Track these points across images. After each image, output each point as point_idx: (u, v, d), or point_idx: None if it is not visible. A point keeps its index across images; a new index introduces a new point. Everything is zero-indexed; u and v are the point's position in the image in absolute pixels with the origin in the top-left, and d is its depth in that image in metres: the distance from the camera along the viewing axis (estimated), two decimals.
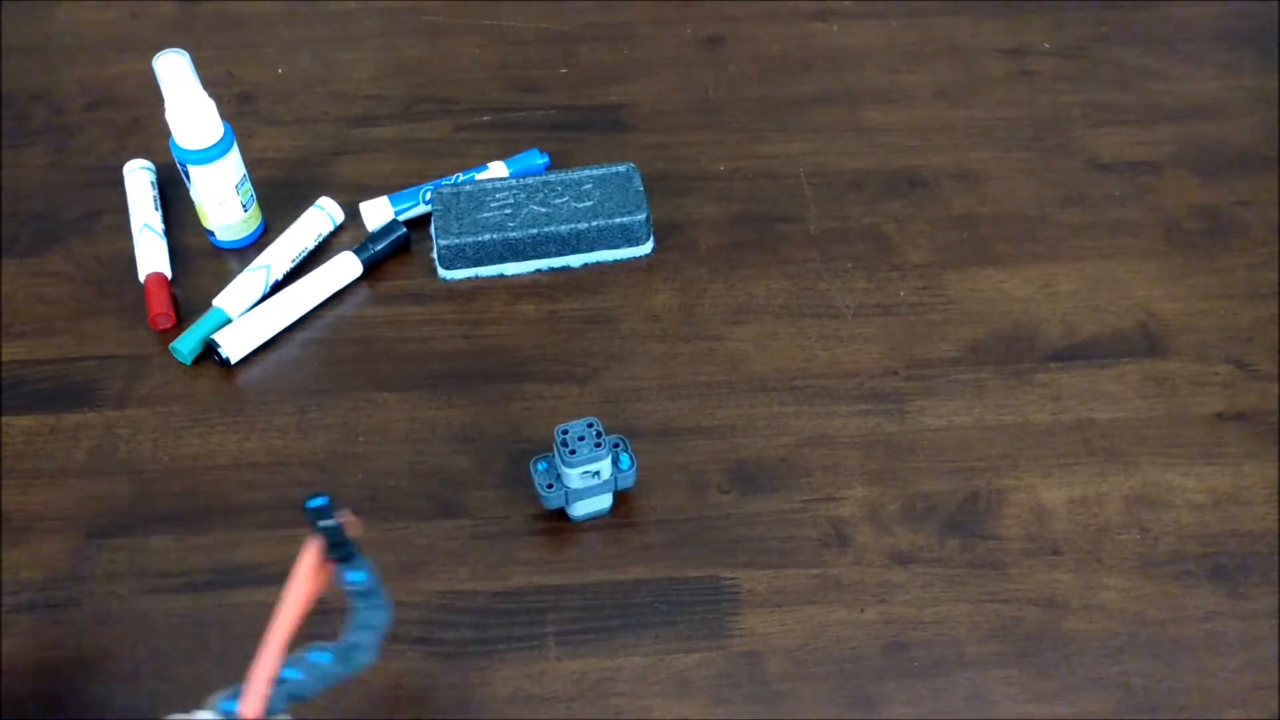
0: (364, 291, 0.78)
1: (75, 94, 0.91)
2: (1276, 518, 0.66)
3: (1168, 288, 0.77)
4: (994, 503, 0.67)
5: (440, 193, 0.79)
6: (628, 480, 0.65)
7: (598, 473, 0.63)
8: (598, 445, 0.62)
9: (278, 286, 0.77)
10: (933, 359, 0.74)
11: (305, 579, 0.52)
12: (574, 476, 0.62)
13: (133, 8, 0.98)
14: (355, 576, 0.52)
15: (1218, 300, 0.77)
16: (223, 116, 0.75)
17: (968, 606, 0.63)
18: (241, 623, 0.62)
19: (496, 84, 0.92)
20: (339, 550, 0.52)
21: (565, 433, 0.62)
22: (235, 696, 0.50)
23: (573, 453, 0.62)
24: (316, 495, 0.52)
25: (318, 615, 0.55)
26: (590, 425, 0.63)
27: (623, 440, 0.65)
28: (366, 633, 0.52)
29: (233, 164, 0.76)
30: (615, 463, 0.64)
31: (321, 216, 0.80)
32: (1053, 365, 0.73)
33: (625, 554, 0.65)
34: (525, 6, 0.98)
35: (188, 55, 0.71)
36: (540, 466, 0.64)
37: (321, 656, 0.51)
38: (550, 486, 0.63)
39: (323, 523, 0.52)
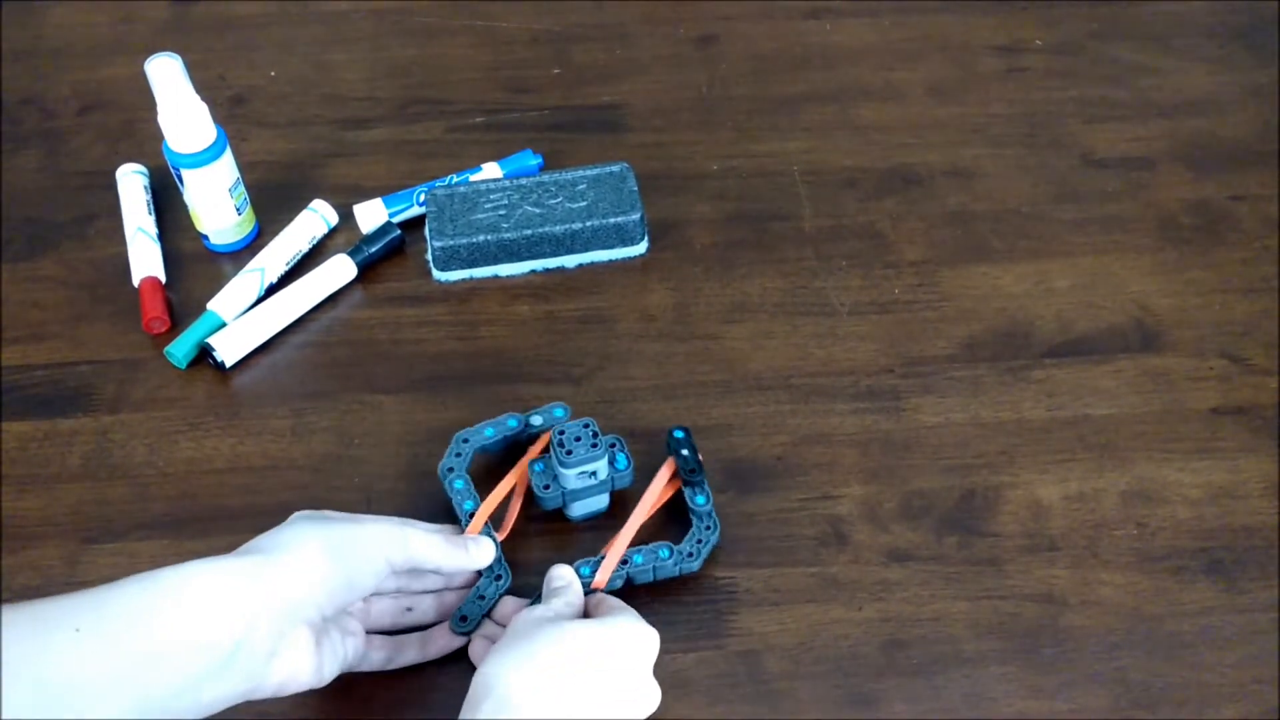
0: (358, 294, 0.78)
1: (67, 98, 0.91)
2: (1272, 512, 0.66)
3: (1162, 283, 0.77)
4: (991, 500, 0.67)
5: (434, 194, 0.79)
6: (625, 480, 0.65)
7: (595, 473, 0.63)
8: (594, 446, 0.62)
9: (272, 290, 0.77)
10: (928, 356, 0.74)
11: (658, 488, 0.64)
12: (571, 477, 0.62)
13: (124, 11, 0.98)
14: (699, 500, 0.64)
15: (1212, 295, 0.77)
16: (215, 120, 0.75)
17: (965, 603, 0.63)
18: None
19: (489, 85, 0.91)
20: (690, 476, 0.64)
21: (562, 434, 0.62)
22: (591, 566, 0.61)
23: (569, 453, 0.62)
24: (680, 428, 0.66)
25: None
26: (586, 426, 0.63)
27: (619, 440, 0.65)
28: (700, 545, 0.63)
29: (226, 167, 0.76)
30: (612, 463, 0.64)
31: (315, 219, 0.80)
32: (1048, 361, 0.73)
33: None
34: (517, 7, 0.98)
35: (179, 59, 0.71)
36: (537, 467, 0.64)
37: (664, 552, 0.62)
38: (547, 487, 0.63)
39: (682, 451, 0.64)
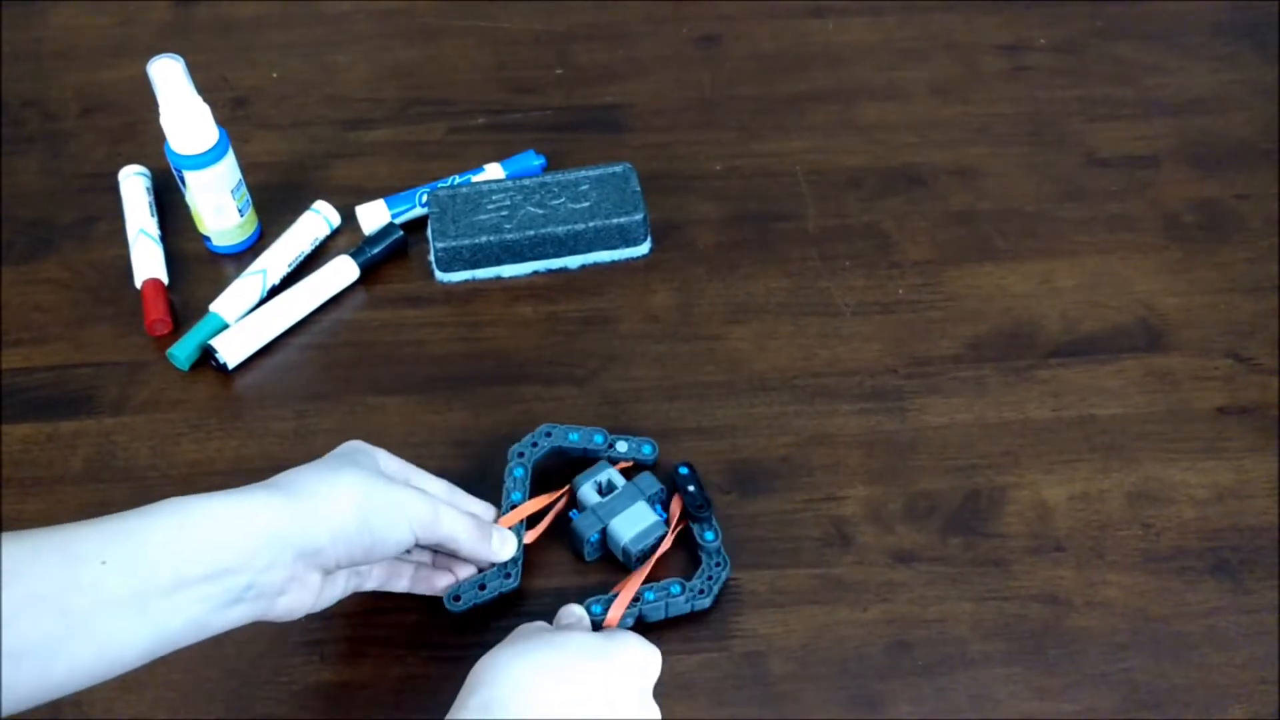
0: (361, 295, 0.78)
1: (69, 100, 0.91)
2: (1278, 512, 0.66)
3: (1167, 282, 0.77)
4: (996, 500, 0.67)
5: (436, 195, 0.79)
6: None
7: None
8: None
9: (274, 291, 0.77)
10: (933, 356, 0.73)
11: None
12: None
13: (126, 12, 0.98)
14: (708, 536, 0.63)
15: (1217, 294, 0.76)
16: (217, 121, 0.75)
17: (970, 605, 0.63)
18: (242, 629, 0.62)
19: (491, 85, 0.91)
20: (698, 512, 0.63)
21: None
22: (603, 604, 0.60)
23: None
24: (684, 464, 0.65)
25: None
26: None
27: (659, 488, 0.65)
28: (710, 583, 0.62)
29: (228, 169, 0.76)
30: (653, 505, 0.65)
31: (317, 220, 0.80)
32: (1053, 361, 0.73)
33: None
34: (519, 7, 0.97)
35: (182, 60, 0.71)
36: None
37: (675, 589, 0.61)
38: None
39: (688, 488, 0.64)
